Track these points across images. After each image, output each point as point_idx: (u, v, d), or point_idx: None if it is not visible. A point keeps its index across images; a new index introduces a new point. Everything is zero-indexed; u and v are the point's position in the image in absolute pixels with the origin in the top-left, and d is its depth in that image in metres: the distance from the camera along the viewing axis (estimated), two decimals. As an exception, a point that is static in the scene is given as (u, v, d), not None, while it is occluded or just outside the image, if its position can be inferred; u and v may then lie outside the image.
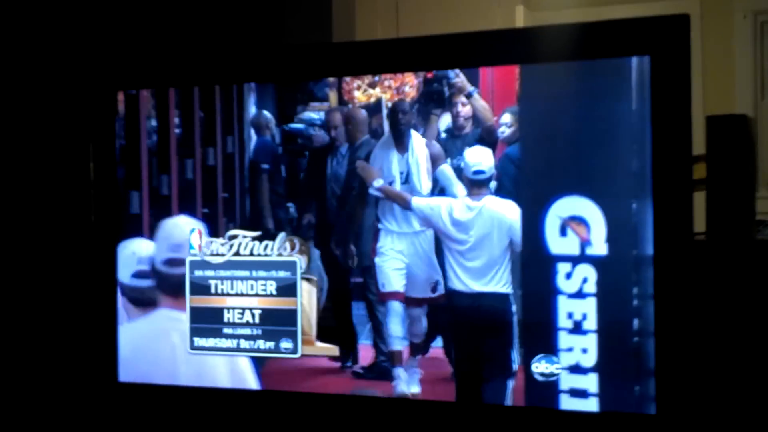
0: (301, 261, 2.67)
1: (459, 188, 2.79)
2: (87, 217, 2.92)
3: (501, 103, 2.70)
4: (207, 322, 2.77)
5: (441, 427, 2.59)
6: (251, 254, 2.71)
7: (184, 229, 2.80)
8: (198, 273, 2.77)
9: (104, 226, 2.86)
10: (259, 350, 2.72)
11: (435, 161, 2.83)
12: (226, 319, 2.75)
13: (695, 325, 2.28)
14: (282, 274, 2.70)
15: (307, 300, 2.69)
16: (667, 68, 2.24)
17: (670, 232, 2.30)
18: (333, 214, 2.97)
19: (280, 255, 2.69)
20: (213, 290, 2.76)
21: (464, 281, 2.75)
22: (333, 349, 2.70)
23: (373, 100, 2.89)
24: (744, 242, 2.70)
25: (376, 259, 2.93)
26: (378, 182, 2.80)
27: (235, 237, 2.74)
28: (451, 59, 2.57)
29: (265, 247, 2.70)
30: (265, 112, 2.92)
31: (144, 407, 2.82)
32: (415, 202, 2.82)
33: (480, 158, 2.70)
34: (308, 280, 2.69)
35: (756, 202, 2.93)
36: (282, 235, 2.70)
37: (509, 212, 2.59)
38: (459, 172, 2.78)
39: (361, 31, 3.75)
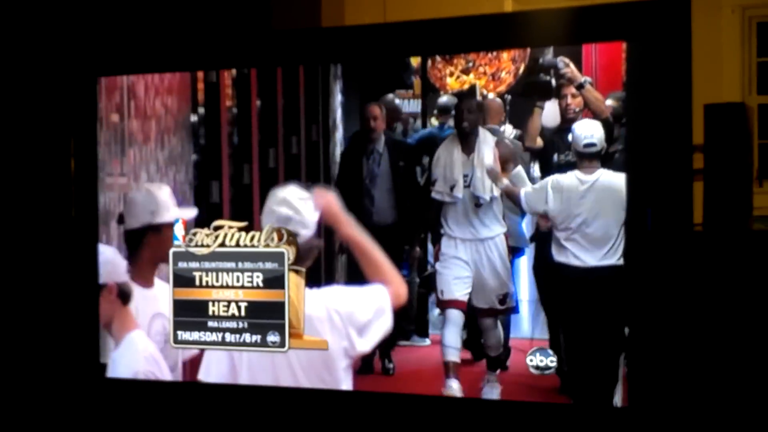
0: (288, 252, 2.59)
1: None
2: (68, 213, 2.83)
3: (605, 88, 2.58)
4: (191, 315, 2.68)
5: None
6: (237, 245, 2.63)
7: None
8: (182, 264, 2.68)
9: (85, 223, 2.77)
10: (244, 344, 2.63)
11: (505, 163, 2.73)
12: (210, 312, 2.67)
13: (692, 315, 2.23)
14: (269, 265, 2.61)
15: (295, 292, 2.60)
16: (666, 52, 2.18)
17: (669, 222, 2.23)
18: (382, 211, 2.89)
19: (267, 246, 2.61)
20: (198, 282, 2.68)
21: (579, 256, 2.61)
22: (322, 343, 2.61)
23: (466, 86, 2.79)
24: (742, 234, 2.65)
25: (438, 265, 2.84)
26: (503, 182, 2.67)
27: (220, 227, 2.65)
28: (436, 44, 2.48)
29: (252, 238, 2.61)
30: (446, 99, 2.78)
31: (129, 402, 2.74)
32: (524, 192, 2.67)
33: (591, 130, 2.57)
34: (296, 271, 2.60)
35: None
36: (269, 225, 2.61)
37: (623, 185, 2.34)
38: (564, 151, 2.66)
39: (349, 19, 3.66)
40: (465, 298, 2.81)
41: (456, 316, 2.80)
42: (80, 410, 2.82)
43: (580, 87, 2.59)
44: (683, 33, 2.15)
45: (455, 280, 2.81)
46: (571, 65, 2.57)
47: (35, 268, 2.95)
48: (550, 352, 2.46)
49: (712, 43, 5.82)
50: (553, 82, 2.59)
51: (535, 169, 2.77)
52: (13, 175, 2.94)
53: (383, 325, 2.49)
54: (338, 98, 2.91)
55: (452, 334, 2.78)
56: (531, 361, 2.48)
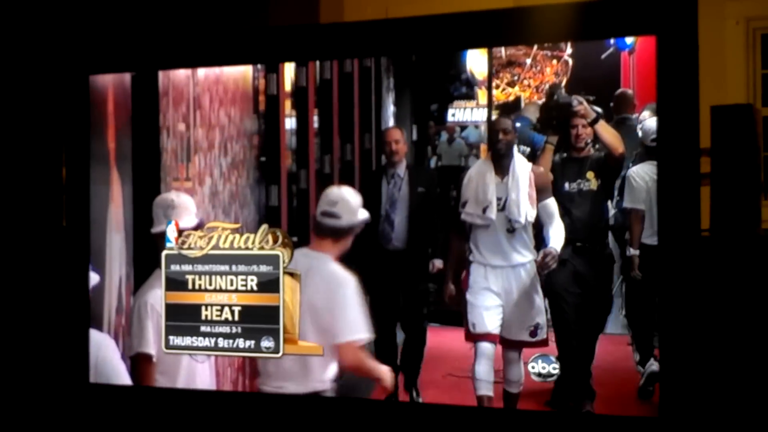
0: (284, 254, 2.51)
1: (559, 229, 2.66)
2: (59, 221, 2.78)
3: (642, 99, 2.61)
4: (183, 319, 2.61)
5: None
6: (231, 247, 2.55)
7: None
8: (174, 267, 2.61)
9: (76, 230, 2.71)
10: (238, 349, 2.56)
11: (540, 192, 2.67)
12: (203, 317, 2.59)
13: (701, 321, 2.15)
14: (264, 268, 2.54)
15: (290, 296, 2.53)
16: (674, 49, 2.12)
17: (676, 228, 2.16)
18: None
19: (262, 248, 2.53)
20: (190, 286, 2.60)
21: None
22: (317, 349, 2.54)
23: (512, 98, 2.80)
24: (750, 241, 2.58)
25: (468, 295, 2.77)
26: None
27: (213, 229, 2.58)
28: (449, 41, 2.43)
29: (246, 240, 2.54)
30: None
31: (113, 407, 2.66)
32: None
33: None
34: (291, 275, 2.53)
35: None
36: (264, 227, 2.54)
37: None
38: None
39: (348, 13, 3.59)
40: (498, 331, 2.73)
41: (488, 349, 2.71)
42: (69, 416, 2.75)
43: (593, 122, 2.59)
44: (689, 28, 2.09)
45: (486, 312, 2.73)
46: (585, 103, 2.56)
47: (25, 273, 2.89)
48: (552, 358, 2.39)
49: (716, 55, 5.77)
50: (566, 118, 2.61)
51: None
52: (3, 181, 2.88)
53: None
54: (390, 109, 3.01)
55: (484, 366, 2.69)
56: (533, 368, 2.41)
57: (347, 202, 2.65)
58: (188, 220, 2.69)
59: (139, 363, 2.69)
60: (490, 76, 2.85)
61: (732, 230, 2.59)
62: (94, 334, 2.73)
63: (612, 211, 2.67)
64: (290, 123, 3.04)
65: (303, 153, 3.00)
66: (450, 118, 2.93)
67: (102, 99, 2.77)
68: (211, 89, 3.01)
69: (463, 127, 3.03)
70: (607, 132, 2.61)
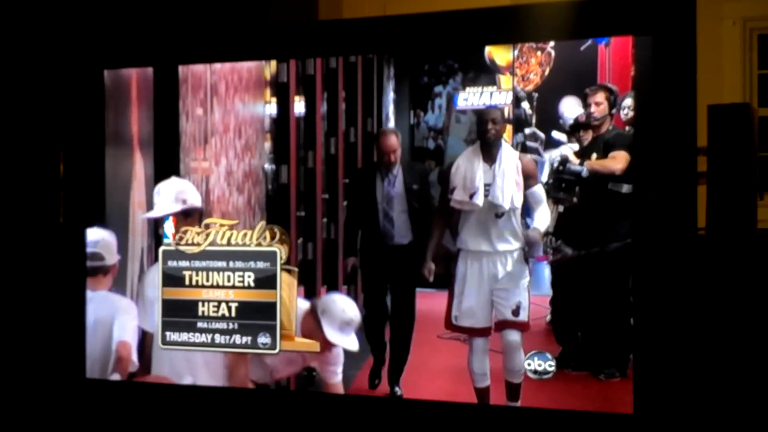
0: (281, 251, 2.52)
1: (545, 212, 2.70)
2: (56, 216, 2.79)
3: (621, 90, 2.68)
4: (180, 315, 2.61)
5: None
6: (228, 244, 2.56)
7: None
8: (171, 263, 2.61)
9: (74, 224, 2.71)
10: (234, 345, 2.56)
11: (527, 178, 2.71)
12: (200, 313, 2.60)
13: (696, 320, 2.16)
14: (261, 264, 2.55)
15: (287, 293, 2.53)
16: (671, 49, 2.12)
17: (672, 226, 2.16)
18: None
19: (259, 244, 2.54)
20: (187, 282, 2.60)
21: None
22: (314, 345, 2.55)
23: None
24: (746, 240, 2.59)
25: (455, 287, 2.78)
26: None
27: (211, 225, 2.59)
28: (448, 39, 2.43)
29: (243, 236, 2.55)
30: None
31: (109, 403, 2.66)
32: None
33: None
34: (289, 271, 2.54)
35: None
36: (262, 224, 2.55)
37: None
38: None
39: (347, 10, 3.60)
40: (480, 325, 2.75)
41: (481, 344, 2.74)
42: (65, 412, 2.75)
43: (583, 161, 2.64)
44: (687, 26, 2.10)
45: (469, 311, 2.75)
46: (567, 164, 2.65)
47: (21, 269, 2.89)
48: (549, 356, 2.40)
49: (713, 55, 5.79)
50: (583, 171, 2.67)
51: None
52: (7, 176, 2.88)
53: None
54: (390, 95, 3.14)
55: (478, 362, 2.71)
56: (529, 365, 2.42)
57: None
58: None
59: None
60: (513, 62, 2.92)
61: (728, 229, 2.60)
62: (116, 298, 2.81)
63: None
64: (299, 108, 3.19)
65: (311, 135, 3.14)
66: (461, 103, 2.99)
67: (126, 87, 2.89)
68: (226, 77, 3.19)
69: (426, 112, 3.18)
70: (596, 166, 2.65)
